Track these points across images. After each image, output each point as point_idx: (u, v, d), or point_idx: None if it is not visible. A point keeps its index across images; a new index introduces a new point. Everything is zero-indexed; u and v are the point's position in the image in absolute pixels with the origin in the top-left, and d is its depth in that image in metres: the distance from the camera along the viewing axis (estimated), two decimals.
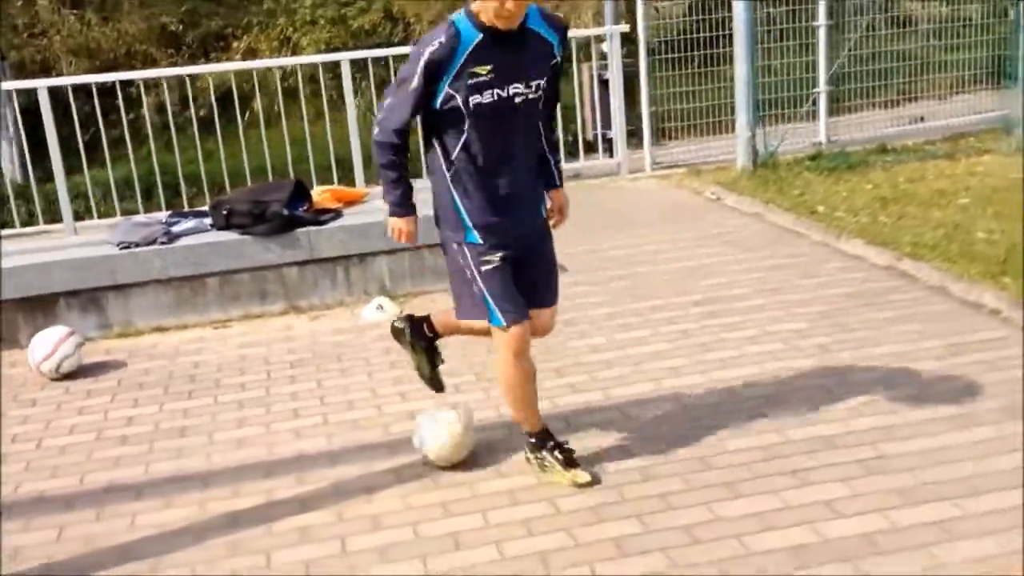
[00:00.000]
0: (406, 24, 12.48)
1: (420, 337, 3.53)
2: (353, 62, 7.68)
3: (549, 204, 3.34)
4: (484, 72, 2.94)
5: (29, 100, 7.53)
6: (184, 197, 7.56)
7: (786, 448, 3.31)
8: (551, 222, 3.35)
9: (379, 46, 10.04)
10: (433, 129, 3.08)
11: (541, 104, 3.09)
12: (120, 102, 7.04)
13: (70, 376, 4.56)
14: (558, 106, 3.33)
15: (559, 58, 3.11)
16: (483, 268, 3.10)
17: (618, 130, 8.53)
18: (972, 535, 2.71)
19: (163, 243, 5.09)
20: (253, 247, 5.17)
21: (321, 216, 5.29)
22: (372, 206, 5.71)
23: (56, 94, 7.06)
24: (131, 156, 7.29)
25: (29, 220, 7.75)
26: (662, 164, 8.63)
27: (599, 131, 8.91)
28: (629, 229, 6.45)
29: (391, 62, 7.61)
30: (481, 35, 2.92)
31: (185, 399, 4.19)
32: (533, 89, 3.02)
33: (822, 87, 8.89)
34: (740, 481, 3.12)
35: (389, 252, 5.33)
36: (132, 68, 10.62)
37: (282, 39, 12.39)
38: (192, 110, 7.50)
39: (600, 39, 8.67)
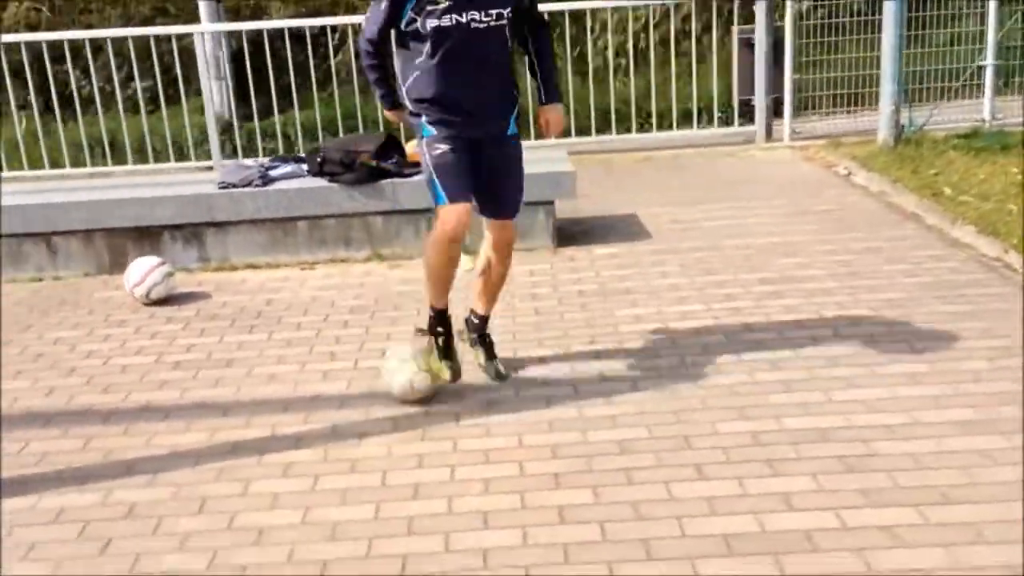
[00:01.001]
0: None
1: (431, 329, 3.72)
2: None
3: (541, 119, 3.66)
4: (443, 1, 3.28)
5: (238, 42, 8.24)
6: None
7: (776, 436, 3.22)
8: (545, 132, 3.68)
9: None
10: (400, 42, 3.46)
11: (509, 31, 3.42)
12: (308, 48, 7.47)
13: (159, 303, 4.95)
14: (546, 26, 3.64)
15: None
16: (433, 152, 3.45)
17: (760, 97, 8.30)
18: (920, 544, 2.59)
19: (257, 185, 5.40)
20: (340, 195, 5.40)
21: (406, 169, 5.45)
22: None
23: (259, 37, 7.55)
24: (315, 99, 7.80)
25: (233, 154, 8.34)
26: (802, 135, 8.33)
27: (744, 97, 8.70)
28: (736, 200, 6.30)
29: None
30: None
31: (245, 333, 4.48)
32: (493, 17, 3.34)
33: (989, 60, 8.30)
34: (711, 464, 3.07)
35: None
36: (334, 14, 11.07)
37: None
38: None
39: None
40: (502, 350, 4.00)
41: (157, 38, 7.99)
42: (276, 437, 3.45)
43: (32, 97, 7.97)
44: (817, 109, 8.62)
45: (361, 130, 8.02)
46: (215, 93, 10.37)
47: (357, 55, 8.77)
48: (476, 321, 3.90)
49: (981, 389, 3.47)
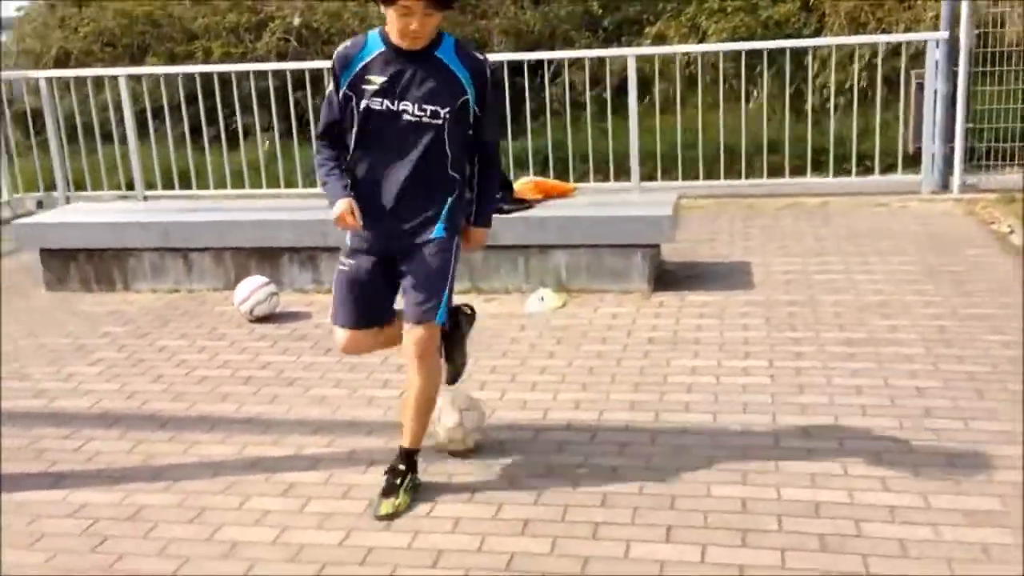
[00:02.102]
0: (821, 16, 12.11)
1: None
2: (753, 52, 7.99)
3: (465, 235, 3.36)
4: (377, 82, 3.10)
5: None
6: (571, 173, 8.04)
7: (767, 506, 3.10)
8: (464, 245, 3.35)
9: (788, 37, 10.20)
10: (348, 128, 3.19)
11: (447, 134, 3.12)
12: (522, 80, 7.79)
13: (262, 320, 5.30)
14: (491, 151, 3.31)
15: (470, 96, 3.14)
16: (339, 268, 3.34)
17: (927, 145, 7.87)
18: None
19: None
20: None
21: (506, 206, 5.57)
22: (574, 202, 5.90)
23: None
24: (528, 130, 8.07)
25: None
26: (975, 187, 7.81)
27: (916, 145, 8.26)
28: (860, 254, 6.02)
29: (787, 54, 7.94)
30: (384, 48, 3.10)
31: (320, 355, 4.73)
32: (427, 114, 3.09)
33: None
34: (683, 527, 3.00)
35: (565, 247, 5.50)
36: (552, 48, 11.42)
37: (691, 26, 12.67)
38: (587, 92, 8.20)
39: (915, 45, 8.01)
40: (546, 391, 4.05)
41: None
42: (295, 457, 3.64)
43: (275, 121, 8.63)
44: (996, 161, 8.07)
45: (570, 161, 8.14)
46: None
47: (572, 86, 9.46)
48: (399, 454, 3.35)
49: (1012, 478, 3.19)
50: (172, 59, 13.30)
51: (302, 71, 8.49)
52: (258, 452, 3.70)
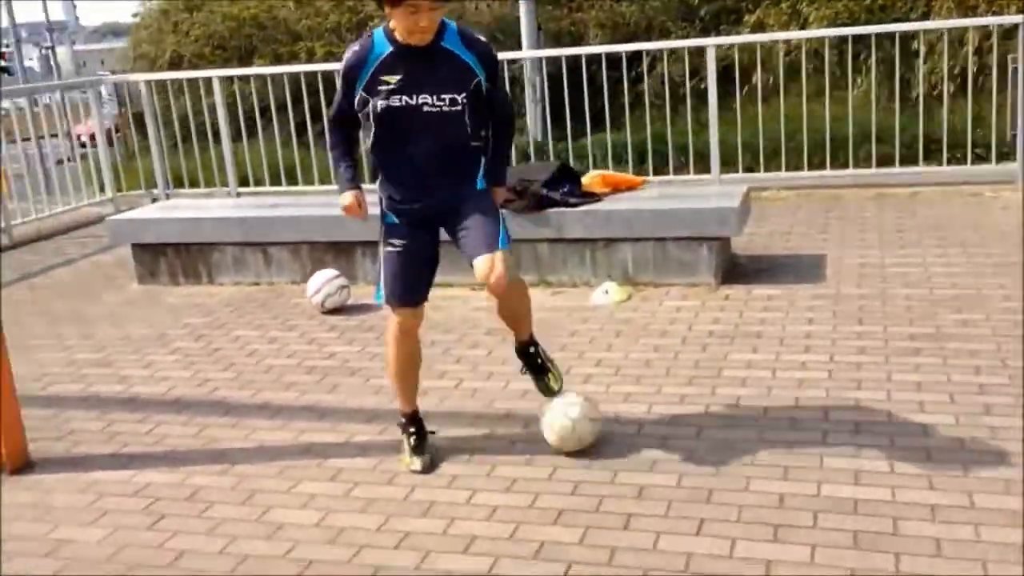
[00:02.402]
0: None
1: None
2: (859, 38, 7.96)
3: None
4: (393, 81, 3.21)
5: (555, 67, 8.78)
6: (670, 166, 8.10)
7: (804, 502, 3.07)
8: None
9: (895, 21, 9.99)
10: (364, 125, 3.36)
11: (467, 116, 3.27)
12: (622, 72, 7.76)
13: (333, 312, 5.45)
14: (507, 116, 3.52)
15: (481, 77, 3.28)
16: (386, 249, 3.46)
17: (1021, 131, 7.58)
18: None
19: None
20: (509, 222, 5.63)
21: (572, 199, 5.60)
22: (641, 195, 5.89)
23: (576, 63, 7.99)
24: (627, 123, 8.03)
25: None
26: None
27: (1013, 132, 7.96)
28: (942, 246, 5.85)
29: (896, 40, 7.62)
30: (392, 48, 3.21)
31: (375, 346, 4.77)
32: (446, 102, 3.22)
33: None
34: (716, 521, 2.99)
35: (632, 240, 5.50)
36: (648, 39, 11.33)
37: (791, 12, 12.41)
38: (687, 82, 7.88)
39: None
40: (600, 383, 4.09)
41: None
42: (347, 444, 3.76)
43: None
44: None
45: (671, 154, 8.13)
46: (530, 115, 10.96)
47: (661, 82, 9.36)
48: (517, 347, 3.74)
49: None
50: (277, 60, 13.70)
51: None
52: (313, 439, 3.82)
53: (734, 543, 2.87)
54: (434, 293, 3.66)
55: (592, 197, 5.73)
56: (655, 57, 9.96)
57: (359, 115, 3.32)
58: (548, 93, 9.83)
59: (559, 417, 3.49)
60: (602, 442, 3.58)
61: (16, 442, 3.71)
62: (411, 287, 3.47)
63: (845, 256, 5.81)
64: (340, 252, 6.00)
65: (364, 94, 3.24)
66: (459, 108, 3.23)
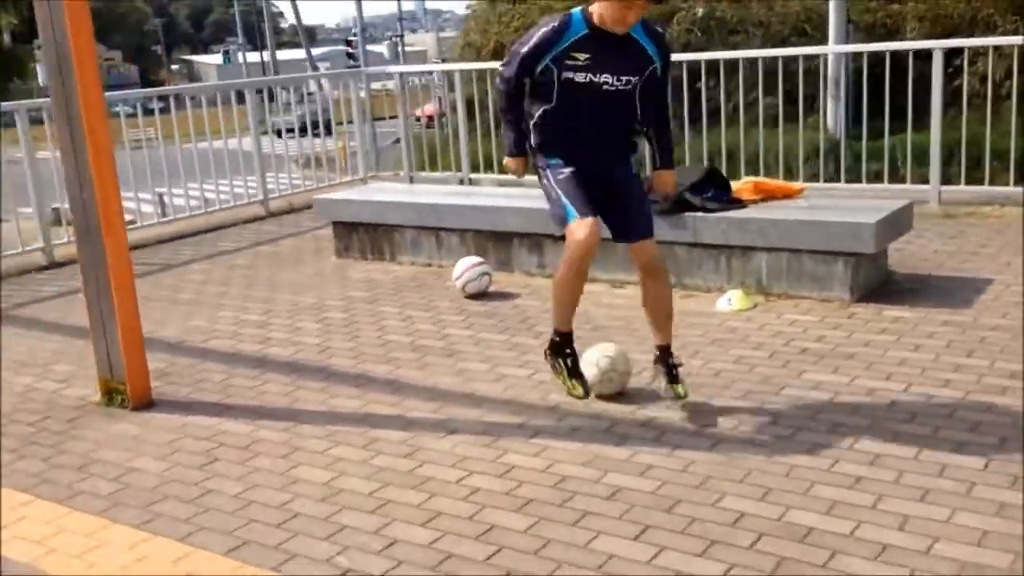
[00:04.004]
0: None
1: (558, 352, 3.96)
2: None
3: (656, 180, 4.09)
4: (581, 58, 3.68)
5: (855, 63, 8.67)
6: (986, 171, 7.40)
7: (758, 524, 3.05)
8: (655, 190, 4.12)
9: None
10: (535, 86, 3.82)
11: (637, 96, 3.78)
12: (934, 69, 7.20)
13: (474, 297, 5.83)
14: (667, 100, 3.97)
15: (658, 65, 3.78)
16: (559, 177, 3.81)
17: None
18: None
19: None
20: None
21: (711, 204, 5.59)
22: (789, 204, 5.75)
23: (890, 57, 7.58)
24: (937, 123, 7.33)
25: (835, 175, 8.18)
26: None
27: None
28: None
29: None
30: (587, 31, 3.66)
31: (496, 332, 5.14)
32: (623, 82, 3.71)
33: None
34: (660, 529, 3.06)
35: (767, 249, 5.41)
36: (971, 35, 10.68)
37: None
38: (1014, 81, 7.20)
39: None
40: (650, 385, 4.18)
41: (785, 58, 8.13)
42: (397, 417, 4.11)
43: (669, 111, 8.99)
44: None
45: (987, 159, 7.44)
46: (830, 112, 10.65)
47: (983, 79, 8.54)
48: (657, 353, 4.02)
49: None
50: (663, 42, 13.97)
51: (697, 62, 8.35)
52: (374, 410, 4.22)
53: (661, 550, 2.93)
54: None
55: (737, 204, 5.68)
56: (977, 52, 8.77)
57: (537, 83, 3.76)
58: (851, 89, 9.52)
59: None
60: (602, 442, 3.68)
61: (140, 382, 4.40)
62: (588, 202, 3.75)
63: (1016, 284, 5.36)
64: (500, 240, 6.35)
65: (552, 64, 3.68)
66: (631, 88, 3.71)
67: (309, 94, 12.68)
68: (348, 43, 36.89)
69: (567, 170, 3.82)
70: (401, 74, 10.23)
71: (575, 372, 3.92)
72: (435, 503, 3.34)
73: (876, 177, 7.98)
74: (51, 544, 3.23)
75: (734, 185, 5.84)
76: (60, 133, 4.23)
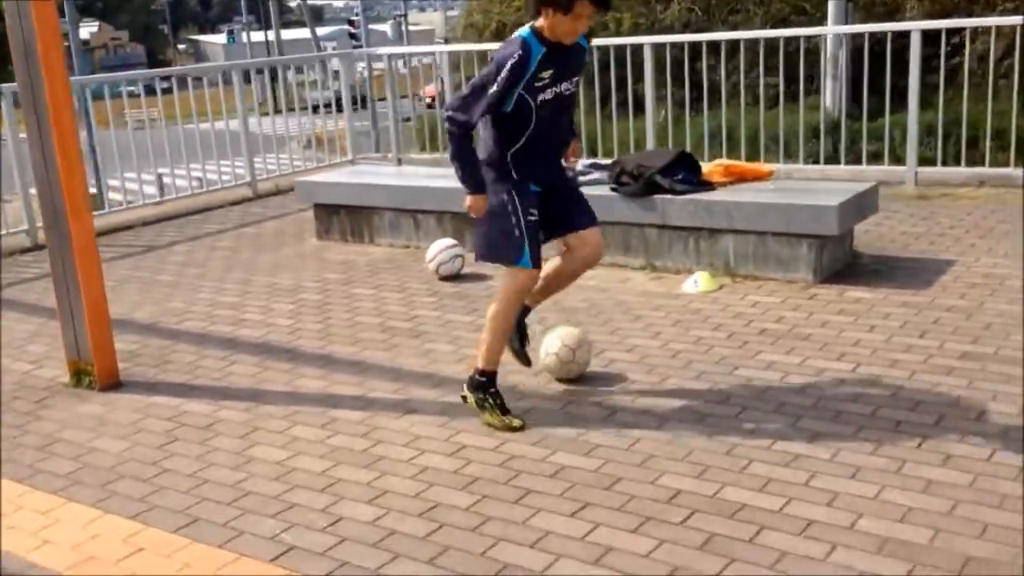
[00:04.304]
0: None
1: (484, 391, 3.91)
2: None
3: (569, 150, 4.04)
4: (547, 76, 3.67)
5: (855, 43, 8.66)
6: (987, 151, 7.38)
7: (694, 501, 3.13)
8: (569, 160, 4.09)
9: None
10: (498, 121, 3.72)
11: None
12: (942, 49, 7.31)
13: (448, 279, 5.90)
14: None
15: (585, 52, 3.89)
16: (528, 219, 3.79)
17: None
18: None
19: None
20: (620, 205, 5.79)
21: (679, 187, 5.64)
22: (756, 186, 5.80)
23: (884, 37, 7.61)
24: (940, 104, 7.42)
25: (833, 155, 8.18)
26: None
27: None
28: None
29: None
30: (545, 49, 3.64)
31: (463, 314, 5.22)
32: (575, 84, 3.81)
33: None
34: (599, 507, 3.14)
35: (733, 231, 5.48)
36: (970, 15, 10.54)
37: None
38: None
39: None
40: (613, 368, 4.28)
41: (786, 38, 8.12)
42: (359, 398, 4.20)
43: (668, 91, 8.92)
44: None
45: (987, 139, 7.40)
46: (829, 91, 10.51)
47: (981, 58, 8.42)
48: (526, 313, 4.16)
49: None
50: (589, 32, 13.97)
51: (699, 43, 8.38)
52: (337, 390, 4.30)
53: (596, 527, 3.02)
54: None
55: (707, 186, 5.73)
56: (977, 31, 8.96)
57: (508, 117, 3.67)
58: (851, 68, 9.43)
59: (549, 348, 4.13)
60: (567, 423, 3.77)
61: (107, 363, 4.49)
62: (539, 252, 3.84)
63: (978, 265, 5.42)
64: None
65: (523, 93, 3.63)
66: (575, 88, 3.82)
67: (335, 72, 12.64)
68: (351, 23, 37.00)
69: (534, 215, 3.79)
70: (389, 56, 10.26)
71: (505, 407, 3.84)
72: (384, 482, 3.43)
73: (875, 158, 7.96)
74: (9, 521, 3.32)
75: (704, 168, 5.89)
76: (27, 122, 4.30)
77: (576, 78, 3.79)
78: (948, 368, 4.04)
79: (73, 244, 4.33)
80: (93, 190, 11.97)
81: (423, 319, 5.20)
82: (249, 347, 4.95)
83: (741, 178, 5.87)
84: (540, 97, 3.67)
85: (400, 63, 11.13)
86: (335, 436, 3.83)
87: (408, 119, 10.33)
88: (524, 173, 3.79)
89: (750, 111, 8.36)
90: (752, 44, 8.33)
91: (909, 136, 7.47)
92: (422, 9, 68.90)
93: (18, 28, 4.14)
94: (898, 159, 7.77)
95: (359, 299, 5.64)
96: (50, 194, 4.33)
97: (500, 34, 15.38)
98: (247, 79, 10.18)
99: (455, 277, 5.90)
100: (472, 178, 3.80)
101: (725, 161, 6.18)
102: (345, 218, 7.05)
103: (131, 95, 10.08)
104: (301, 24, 58.17)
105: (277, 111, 11.11)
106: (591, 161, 6.45)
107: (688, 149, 7.95)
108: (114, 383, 4.51)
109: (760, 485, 3.21)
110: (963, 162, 7.48)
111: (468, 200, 3.86)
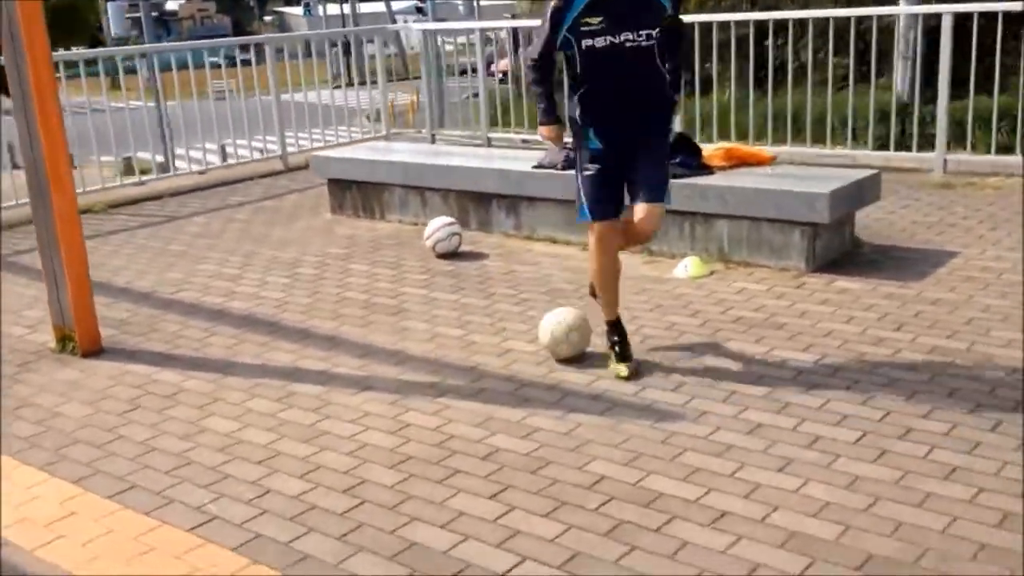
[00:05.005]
0: None
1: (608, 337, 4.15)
2: None
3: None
4: (596, 22, 3.74)
5: (927, 24, 8.46)
6: (1018, 139, 7.04)
7: (611, 487, 3.13)
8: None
9: None
10: (565, 61, 3.92)
11: (657, 49, 3.80)
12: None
13: (445, 256, 5.93)
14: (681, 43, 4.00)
15: (668, 8, 3.80)
16: (584, 172, 3.94)
17: None
18: None
19: (557, 169, 6.01)
20: None
21: (677, 170, 5.54)
22: (755, 171, 5.70)
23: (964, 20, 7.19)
24: (945, 90, 7.10)
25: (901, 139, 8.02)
26: None
27: None
28: None
29: None
30: None
31: (450, 293, 5.24)
32: (644, 37, 3.75)
33: None
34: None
35: (728, 217, 5.40)
36: None
37: None
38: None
39: None
40: (590, 352, 4.23)
41: (858, 18, 7.82)
42: (321, 373, 4.26)
43: (731, 71, 8.64)
44: None
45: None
46: (899, 74, 10.18)
47: None
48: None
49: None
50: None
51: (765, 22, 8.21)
52: (306, 364, 4.36)
53: (511, 510, 3.03)
54: (550, 249, 4.86)
55: (706, 170, 5.66)
56: None
57: (566, 57, 3.85)
58: (924, 50, 9.09)
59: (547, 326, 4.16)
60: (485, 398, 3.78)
61: (88, 330, 4.62)
62: (608, 203, 3.94)
63: (979, 258, 5.27)
64: (480, 202, 6.43)
65: (568, 35, 3.77)
66: (652, 42, 3.75)
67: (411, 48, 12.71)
68: None
69: (593, 167, 3.92)
70: (425, 32, 10.28)
71: (624, 355, 4.03)
72: (320, 457, 3.48)
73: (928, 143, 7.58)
74: None
75: (705, 150, 5.81)
76: (12, 99, 4.42)
77: (647, 31, 3.73)
78: (912, 364, 3.95)
79: (56, 215, 4.45)
80: (160, 158, 12.41)
81: (408, 296, 5.24)
82: (233, 319, 5.04)
83: (742, 162, 5.78)
84: (586, 43, 3.74)
85: (449, 38, 11.03)
86: (288, 410, 3.89)
87: (476, 95, 10.40)
88: (588, 119, 3.89)
89: (818, 92, 8.01)
90: (821, 23, 8.05)
91: (938, 122, 7.25)
92: None
93: (2, 9, 4.25)
94: (967, 146, 7.49)
95: (352, 275, 5.70)
96: (35, 168, 4.45)
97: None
98: (308, 52, 10.32)
99: (452, 255, 5.93)
100: (540, 107, 4.04)
101: (727, 144, 6.08)
102: (357, 194, 7.11)
103: (213, 66, 10.28)
104: None
105: (349, 84, 11.12)
106: None
107: (751, 131, 7.89)
108: (96, 350, 4.64)
109: (685, 475, 3.19)
110: (993, 150, 7.23)
111: (539, 129, 4.13)
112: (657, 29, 3.76)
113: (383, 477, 3.30)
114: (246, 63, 9.71)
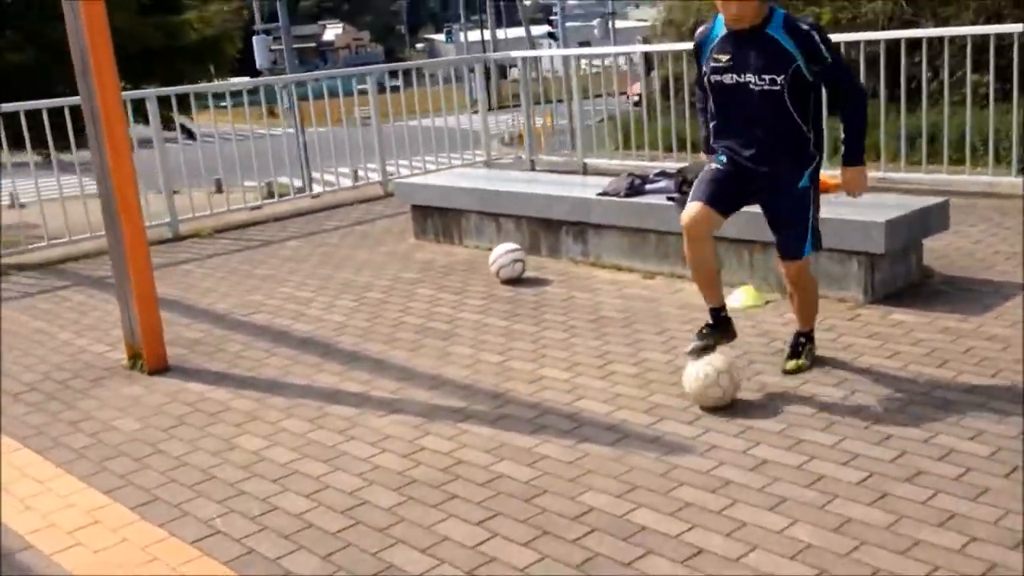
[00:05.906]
0: None
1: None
2: None
3: (841, 177, 4.11)
4: (724, 59, 3.90)
5: None
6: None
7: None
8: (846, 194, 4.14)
9: None
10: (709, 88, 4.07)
11: (787, 96, 3.83)
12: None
13: (509, 282, 6.03)
14: (850, 92, 3.94)
15: (800, 62, 3.79)
16: (706, 167, 4.13)
17: None
18: None
19: (620, 197, 6.04)
20: (675, 213, 5.72)
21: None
22: (824, 198, 5.56)
23: None
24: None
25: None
26: None
27: None
28: None
29: None
30: (724, 31, 3.90)
31: (504, 318, 5.33)
32: (767, 82, 3.82)
33: None
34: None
35: None
36: None
37: None
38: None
39: None
40: (592, 377, 4.31)
41: (999, 35, 7.36)
42: (358, 395, 4.41)
43: (880, 87, 7.87)
44: None
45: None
46: None
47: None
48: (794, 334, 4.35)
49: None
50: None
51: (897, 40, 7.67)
52: (346, 387, 4.52)
53: (493, 537, 3.09)
54: (613, 276, 4.95)
55: None
56: None
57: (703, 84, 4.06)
58: None
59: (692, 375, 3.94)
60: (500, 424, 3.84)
61: (155, 349, 4.91)
62: (712, 193, 4.00)
63: None
64: (550, 228, 6.51)
65: (704, 67, 3.99)
66: (778, 88, 3.81)
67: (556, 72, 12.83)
68: (549, 21, 37.58)
69: (715, 165, 4.06)
70: (523, 58, 10.44)
71: (724, 333, 4.23)
72: (331, 477, 3.62)
73: None
74: (14, 488, 3.74)
75: None
76: (88, 134, 4.77)
77: (771, 76, 3.79)
78: (944, 402, 3.81)
79: (126, 243, 4.76)
80: (298, 182, 13.11)
81: (462, 322, 5.35)
82: (293, 341, 5.26)
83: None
84: (715, 78, 3.91)
85: (583, 63, 10.93)
86: (317, 431, 4.06)
87: (612, 118, 10.55)
88: (719, 149, 4.07)
89: (956, 112, 7.66)
90: (958, 40, 7.75)
91: (1015, 143, 6.89)
92: (636, 5, 68.40)
93: (75, 39, 4.59)
94: None
95: (416, 299, 5.86)
96: (107, 199, 4.78)
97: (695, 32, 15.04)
98: (434, 80, 10.79)
99: (516, 281, 6.02)
100: (701, 135, 4.31)
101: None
102: (438, 219, 7.29)
103: (361, 92, 10.77)
104: (535, 21, 58.95)
105: (489, 108, 11.42)
106: (660, 169, 6.40)
107: (882, 153, 7.65)
108: (162, 367, 4.93)
109: (674, 509, 3.18)
110: None
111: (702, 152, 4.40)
112: (782, 77, 3.78)
113: (383, 499, 3.41)
114: (395, 89, 10.68)
